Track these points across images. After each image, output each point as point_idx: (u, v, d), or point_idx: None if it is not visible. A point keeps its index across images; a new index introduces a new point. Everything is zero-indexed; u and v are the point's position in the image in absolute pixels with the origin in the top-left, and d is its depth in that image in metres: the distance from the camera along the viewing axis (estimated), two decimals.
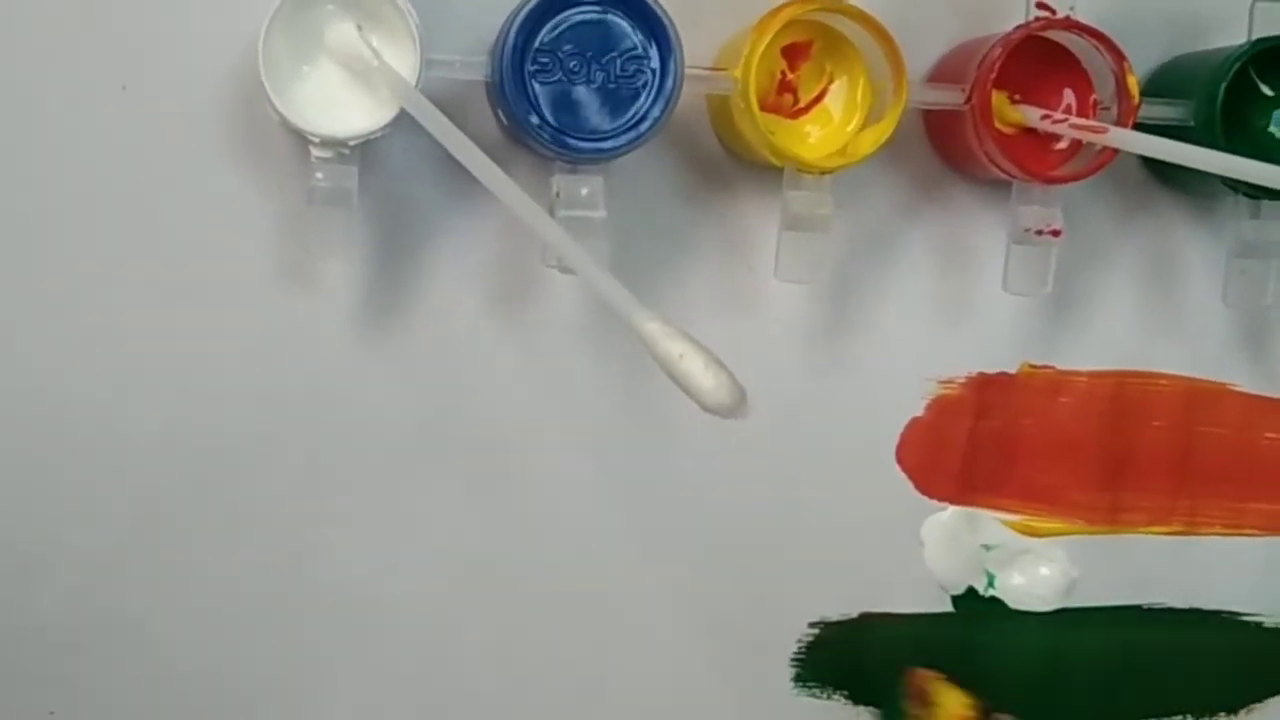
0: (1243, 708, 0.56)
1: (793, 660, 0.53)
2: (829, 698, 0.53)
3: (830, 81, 0.49)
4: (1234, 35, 0.50)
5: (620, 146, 0.45)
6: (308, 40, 0.44)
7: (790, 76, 0.48)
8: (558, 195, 0.46)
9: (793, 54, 0.48)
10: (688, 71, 0.45)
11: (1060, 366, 0.53)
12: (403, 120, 0.44)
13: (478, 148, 0.42)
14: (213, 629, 0.49)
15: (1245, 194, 0.49)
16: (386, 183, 0.48)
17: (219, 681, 0.49)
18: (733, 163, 0.50)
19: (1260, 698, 0.56)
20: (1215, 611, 0.55)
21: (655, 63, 0.45)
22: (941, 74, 0.50)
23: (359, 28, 0.44)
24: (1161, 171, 0.52)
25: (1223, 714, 0.56)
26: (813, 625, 0.53)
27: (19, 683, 0.48)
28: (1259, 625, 0.55)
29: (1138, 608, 0.55)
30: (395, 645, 0.50)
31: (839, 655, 0.53)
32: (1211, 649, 0.55)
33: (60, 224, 0.47)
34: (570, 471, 0.51)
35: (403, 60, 0.44)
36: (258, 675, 0.50)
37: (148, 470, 0.48)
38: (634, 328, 0.38)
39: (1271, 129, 0.50)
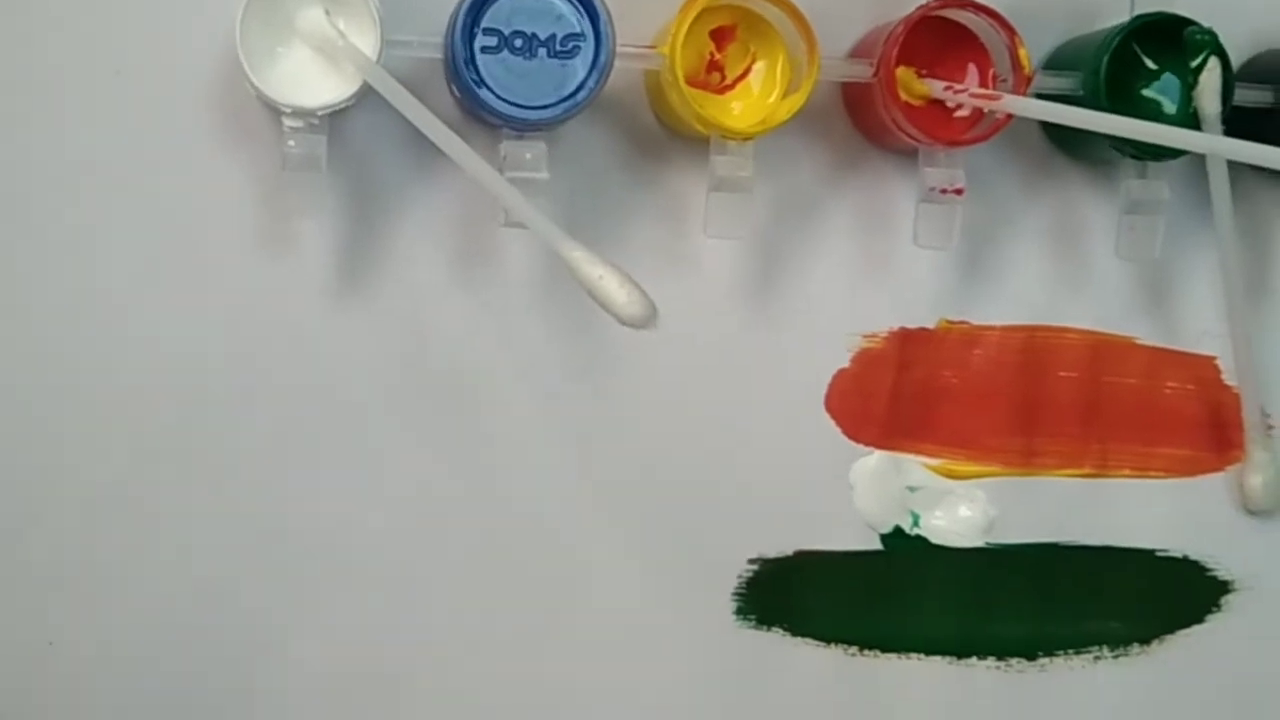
0: (1154, 639, 0.58)
1: (734, 595, 0.56)
2: (769, 630, 0.56)
3: (754, 61, 0.53)
4: (1122, 18, 0.54)
5: (559, 114, 0.49)
6: (280, 24, 0.48)
7: (718, 57, 0.53)
8: (505, 159, 0.50)
9: (719, 36, 0.53)
10: (621, 48, 0.50)
11: (974, 321, 0.57)
12: (367, 96, 0.48)
13: (432, 114, 0.47)
14: (197, 569, 0.52)
15: (1132, 155, 0.54)
16: (353, 153, 0.52)
17: (202, 616, 0.53)
18: (667, 135, 0.55)
19: (1170, 630, 0.59)
20: (1126, 548, 0.58)
21: (590, 39, 0.50)
22: (857, 54, 0.55)
23: (326, 12, 0.48)
24: (1060, 139, 0.57)
25: (1136, 644, 0.58)
26: (752, 562, 0.56)
27: (19, 616, 0.52)
28: (1167, 561, 0.58)
29: (1053, 545, 0.57)
30: (365, 583, 0.53)
31: (777, 590, 0.56)
32: (1123, 583, 0.58)
33: (61, 193, 0.51)
34: (524, 419, 0.54)
35: (365, 40, 0.48)
36: (237, 611, 0.53)
37: (133, 423, 0.52)
38: (561, 255, 0.43)
39: (1149, 93, 0.54)
